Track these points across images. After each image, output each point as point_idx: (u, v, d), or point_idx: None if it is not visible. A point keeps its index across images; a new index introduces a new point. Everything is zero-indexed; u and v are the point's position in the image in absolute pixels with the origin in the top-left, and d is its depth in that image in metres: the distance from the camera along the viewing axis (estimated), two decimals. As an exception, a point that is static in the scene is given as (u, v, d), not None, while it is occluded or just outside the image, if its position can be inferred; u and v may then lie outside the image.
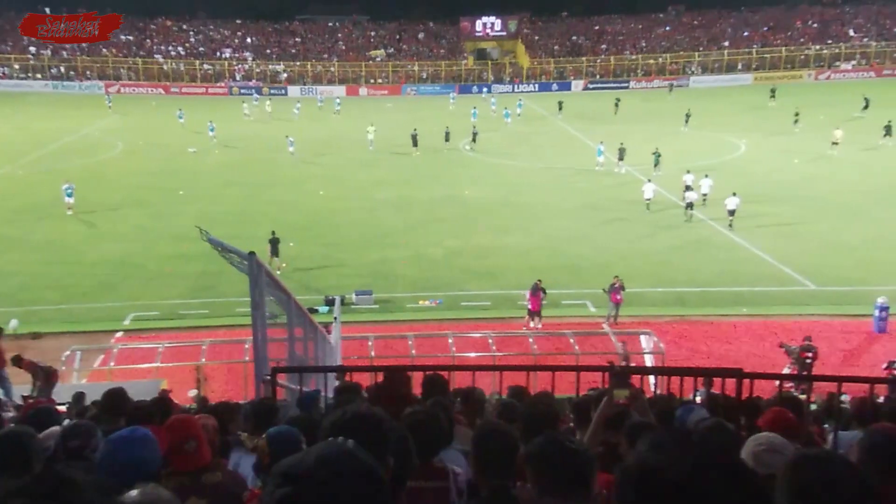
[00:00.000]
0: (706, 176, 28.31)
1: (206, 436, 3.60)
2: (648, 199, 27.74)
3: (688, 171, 28.26)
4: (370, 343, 15.88)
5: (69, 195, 27.87)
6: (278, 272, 19.06)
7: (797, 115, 42.48)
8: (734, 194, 25.57)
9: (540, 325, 18.51)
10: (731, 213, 25.41)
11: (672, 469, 1.29)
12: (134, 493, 2.33)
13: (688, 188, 27.19)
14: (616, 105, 51.17)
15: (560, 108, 52.14)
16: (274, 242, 22.13)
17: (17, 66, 65.52)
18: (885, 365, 14.69)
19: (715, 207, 26.62)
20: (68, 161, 37.41)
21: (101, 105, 55.28)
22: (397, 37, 78.27)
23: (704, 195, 27.60)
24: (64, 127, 46.79)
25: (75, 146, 41.90)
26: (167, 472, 3.39)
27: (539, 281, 18.52)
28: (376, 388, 5.07)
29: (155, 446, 3.06)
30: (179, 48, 72.26)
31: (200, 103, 57.19)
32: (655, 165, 32.30)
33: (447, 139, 40.38)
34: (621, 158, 33.87)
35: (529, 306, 18.51)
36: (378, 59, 72.66)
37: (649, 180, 28.54)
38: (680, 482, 1.27)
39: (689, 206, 26.72)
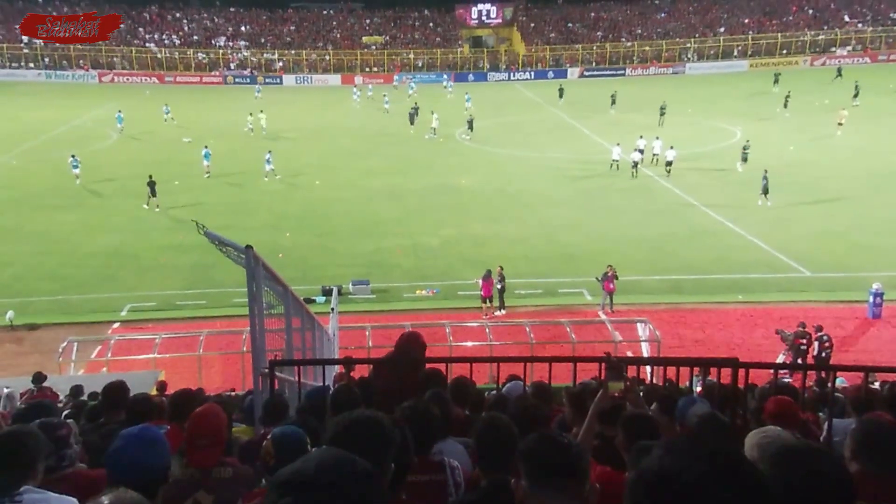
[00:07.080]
0: (657, 138, 32.55)
1: (222, 435, 3.59)
2: (616, 160, 31.31)
3: (640, 137, 31.86)
4: (368, 333, 15.91)
5: (75, 167, 30.65)
6: (157, 209, 26.65)
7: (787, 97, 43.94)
8: (671, 147, 30.53)
9: (500, 313, 18.83)
10: (669, 163, 30.22)
11: (685, 474, 1.28)
12: (104, 498, 2.39)
13: (637, 150, 30.90)
14: (662, 112, 42.09)
15: (561, 95, 51.18)
16: (152, 185, 26.77)
17: (8, 56, 64.93)
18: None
19: (669, 170, 30.51)
20: (61, 151, 37.17)
21: (94, 94, 54.82)
22: (392, 24, 77.81)
23: (655, 155, 31.61)
24: (57, 116, 46.47)
25: (68, 136, 41.65)
26: (183, 463, 3.43)
27: (501, 268, 18.93)
28: (390, 356, 5.13)
29: (163, 449, 2.98)
30: (174, 37, 71.69)
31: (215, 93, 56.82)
32: (744, 160, 30.98)
33: (471, 127, 40.34)
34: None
35: (482, 293, 18.83)
36: (373, 47, 72.24)
37: (617, 144, 31.98)
38: (691, 488, 1.26)
39: (634, 165, 30.48)
